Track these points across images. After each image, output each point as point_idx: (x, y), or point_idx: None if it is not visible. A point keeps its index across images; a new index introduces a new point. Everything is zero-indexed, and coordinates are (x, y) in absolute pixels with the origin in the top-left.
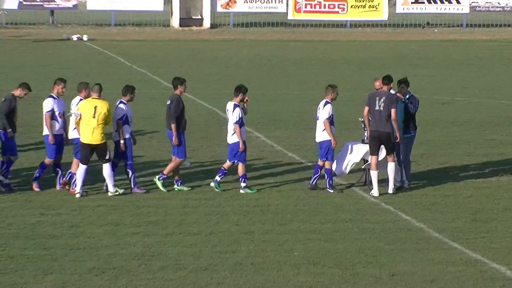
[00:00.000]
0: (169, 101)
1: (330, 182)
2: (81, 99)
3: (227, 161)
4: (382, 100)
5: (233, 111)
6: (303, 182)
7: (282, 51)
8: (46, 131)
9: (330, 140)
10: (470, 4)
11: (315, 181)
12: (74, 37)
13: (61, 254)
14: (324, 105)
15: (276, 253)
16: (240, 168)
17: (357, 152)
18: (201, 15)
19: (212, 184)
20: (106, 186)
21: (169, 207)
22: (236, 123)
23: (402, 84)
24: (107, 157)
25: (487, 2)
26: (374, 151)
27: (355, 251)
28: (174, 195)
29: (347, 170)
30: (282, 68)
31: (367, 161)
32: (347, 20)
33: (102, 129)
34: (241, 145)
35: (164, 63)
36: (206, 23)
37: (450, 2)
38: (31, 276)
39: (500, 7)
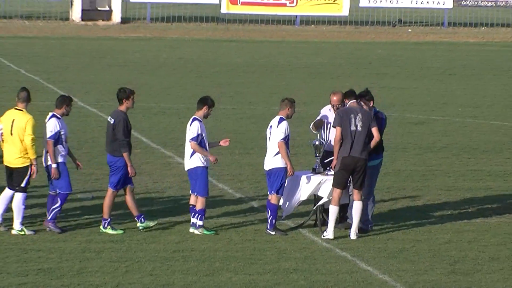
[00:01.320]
0: (113, 120)
1: (273, 221)
2: None
3: (190, 194)
4: (358, 117)
5: (190, 125)
6: (236, 221)
7: (213, 54)
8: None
9: (283, 167)
10: None
11: (273, 221)
12: None
13: None
14: (279, 123)
15: None
16: (199, 202)
17: (307, 185)
18: (109, 6)
19: (191, 230)
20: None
21: (65, 252)
22: (192, 139)
23: (364, 98)
24: (22, 185)
25: None
26: (342, 183)
27: None
28: (71, 236)
29: (291, 210)
30: (212, 76)
31: (318, 196)
32: (296, 15)
33: (20, 148)
34: (211, 158)
35: (61, 67)
36: (116, 17)
37: None
38: None
39: (492, 1)
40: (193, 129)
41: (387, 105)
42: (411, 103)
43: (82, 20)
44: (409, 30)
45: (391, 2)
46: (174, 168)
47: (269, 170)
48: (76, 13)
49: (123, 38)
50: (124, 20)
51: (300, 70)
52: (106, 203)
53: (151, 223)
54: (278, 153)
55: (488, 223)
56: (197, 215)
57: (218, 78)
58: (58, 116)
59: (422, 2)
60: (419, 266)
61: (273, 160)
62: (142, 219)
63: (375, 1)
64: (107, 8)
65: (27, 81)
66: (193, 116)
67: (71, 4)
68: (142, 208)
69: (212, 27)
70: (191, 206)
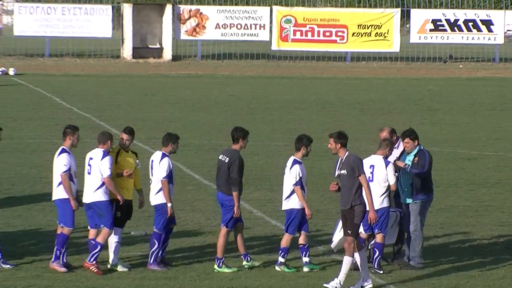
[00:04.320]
0: (227, 158)
1: (380, 260)
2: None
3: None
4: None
5: (291, 168)
6: (290, 257)
7: (264, 91)
8: (63, 194)
9: (386, 207)
10: (505, 32)
11: (376, 262)
12: None
13: None
14: (387, 164)
15: None
16: (284, 240)
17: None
18: (160, 44)
19: (305, 269)
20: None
21: None
22: (296, 184)
23: (407, 138)
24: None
25: None
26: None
27: None
28: (125, 273)
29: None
30: (264, 113)
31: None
32: (347, 52)
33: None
34: (307, 211)
35: (113, 105)
36: (167, 54)
37: (479, 30)
38: None
39: None
40: (294, 172)
41: (439, 141)
42: (463, 138)
43: (133, 57)
44: (460, 66)
45: (442, 38)
46: None
47: (379, 209)
48: (127, 51)
49: (174, 75)
50: (175, 58)
51: (351, 107)
52: (220, 242)
53: (256, 263)
54: (384, 194)
55: None
56: (280, 251)
57: (269, 115)
58: (167, 154)
59: (473, 38)
60: None
61: (379, 200)
62: (248, 258)
63: (425, 37)
64: (158, 46)
65: (79, 117)
66: (293, 158)
67: (122, 42)
68: (196, 245)
69: (263, 64)
70: (301, 245)
